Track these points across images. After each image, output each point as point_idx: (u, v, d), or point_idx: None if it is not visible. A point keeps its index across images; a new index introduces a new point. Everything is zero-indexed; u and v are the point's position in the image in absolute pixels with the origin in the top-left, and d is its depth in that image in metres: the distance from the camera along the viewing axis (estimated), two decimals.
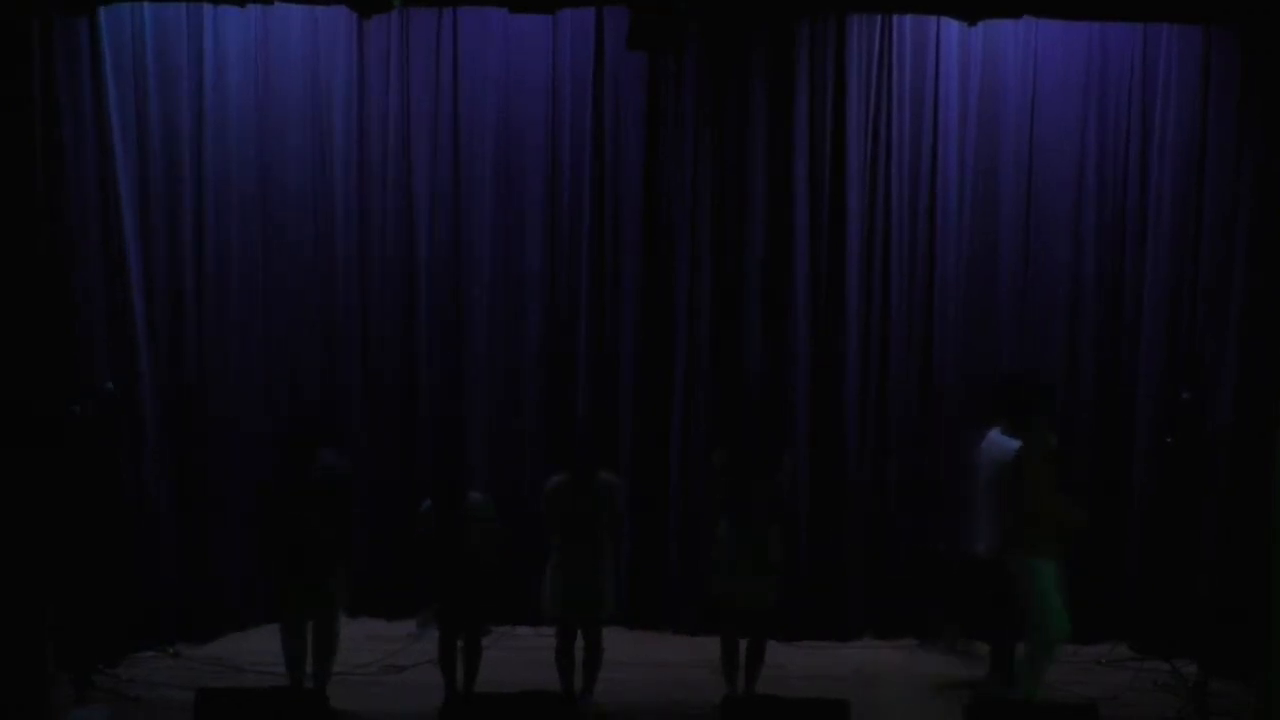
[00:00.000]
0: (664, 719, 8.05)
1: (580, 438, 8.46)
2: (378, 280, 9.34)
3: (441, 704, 7.51)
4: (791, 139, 9.20)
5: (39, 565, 7.88)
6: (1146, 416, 9.05)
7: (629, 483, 9.34)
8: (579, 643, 7.97)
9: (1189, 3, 8.33)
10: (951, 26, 9.04)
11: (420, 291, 9.36)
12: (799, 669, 8.79)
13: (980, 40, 9.10)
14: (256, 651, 8.66)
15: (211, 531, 9.14)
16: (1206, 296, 8.93)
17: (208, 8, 8.82)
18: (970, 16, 8.41)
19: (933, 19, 9.05)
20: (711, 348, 9.33)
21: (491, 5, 8.62)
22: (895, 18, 9.08)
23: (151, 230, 8.79)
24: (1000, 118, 9.24)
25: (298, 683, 7.88)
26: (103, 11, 8.34)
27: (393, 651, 8.78)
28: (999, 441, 8.11)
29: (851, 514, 9.33)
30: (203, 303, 9.12)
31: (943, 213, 9.28)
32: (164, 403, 8.82)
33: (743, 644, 8.13)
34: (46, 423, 8.01)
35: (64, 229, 8.29)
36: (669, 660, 8.93)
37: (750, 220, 9.26)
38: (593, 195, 9.31)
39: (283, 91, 9.23)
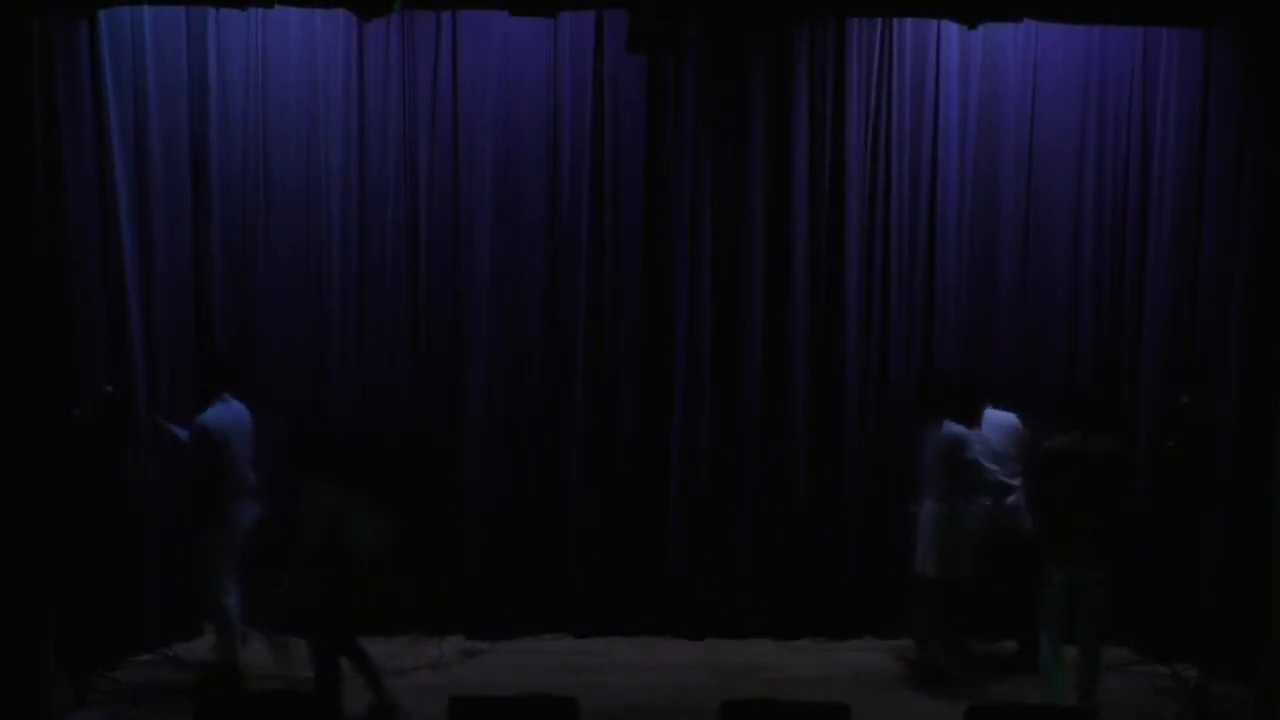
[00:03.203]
0: None
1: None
2: (376, 282, 9.33)
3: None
4: (791, 141, 9.21)
5: (39, 567, 7.88)
6: (1147, 418, 9.04)
7: (629, 485, 9.39)
8: None
9: (1188, 6, 8.31)
10: (951, 29, 9.04)
11: (420, 293, 9.35)
12: (798, 672, 8.81)
13: (980, 43, 9.11)
14: (255, 654, 8.66)
15: None
16: (1207, 297, 8.92)
17: (208, 11, 8.83)
18: (970, 20, 8.40)
19: (933, 22, 9.05)
20: (712, 348, 9.33)
21: (491, 8, 8.62)
22: (895, 21, 9.08)
23: (150, 233, 8.80)
24: (1000, 119, 9.25)
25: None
26: (102, 14, 8.33)
27: (393, 655, 8.78)
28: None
29: (850, 514, 9.34)
30: (202, 305, 9.13)
31: (943, 213, 9.30)
32: (162, 405, 8.82)
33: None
34: (47, 425, 8.01)
35: (63, 232, 8.29)
36: (668, 663, 8.95)
37: (750, 221, 9.27)
38: (593, 197, 9.30)
39: (282, 93, 9.23)
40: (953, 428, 8.37)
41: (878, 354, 9.37)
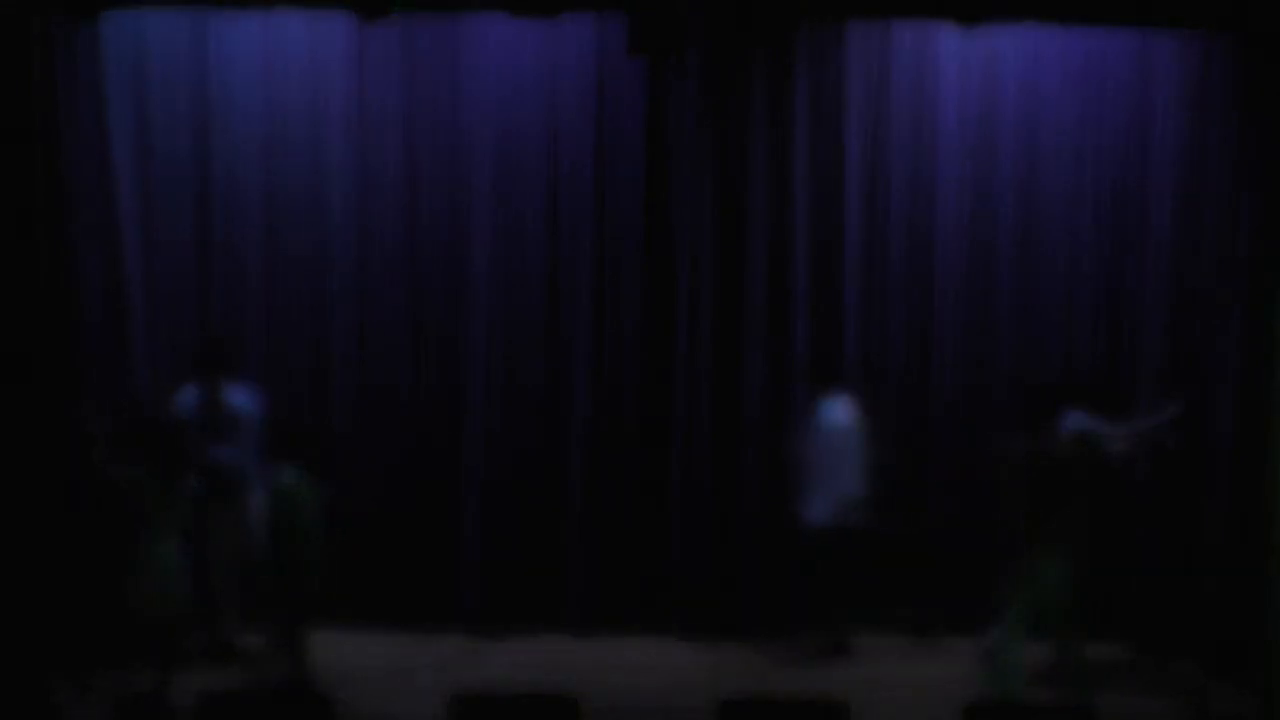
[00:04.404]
0: None
1: None
2: (378, 284, 9.34)
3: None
4: (791, 142, 9.22)
5: (41, 568, 7.89)
6: (1146, 418, 9.05)
7: (630, 485, 9.40)
8: None
9: (1189, 7, 8.32)
10: (951, 31, 9.04)
11: (421, 294, 9.36)
12: (798, 672, 8.81)
13: (980, 44, 9.12)
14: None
15: None
16: (1206, 297, 8.93)
17: (209, 12, 8.84)
18: (970, 21, 8.41)
19: (932, 23, 9.06)
20: (712, 350, 9.33)
21: (492, 10, 8.63)
22: (895, 22, 9.10)
23: (152, 234, 8.82)
24: (1000, 121, 9.26)
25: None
26: (104, 17, 8.35)
27: (393, 655, 8.79)
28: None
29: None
30: (204, 305, 9.15)
31: (942, 215, 9.30)
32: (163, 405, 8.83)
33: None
34: (49, 426, 8.03)
35: (65, 234, 8.30)
36: (668, 663, 8.95)
37: (751, 224, 9.27)
38: (593, 199, 9.30)
39: (283, 94, 9.22)
40: None
41: (878, 354, 9.37)
